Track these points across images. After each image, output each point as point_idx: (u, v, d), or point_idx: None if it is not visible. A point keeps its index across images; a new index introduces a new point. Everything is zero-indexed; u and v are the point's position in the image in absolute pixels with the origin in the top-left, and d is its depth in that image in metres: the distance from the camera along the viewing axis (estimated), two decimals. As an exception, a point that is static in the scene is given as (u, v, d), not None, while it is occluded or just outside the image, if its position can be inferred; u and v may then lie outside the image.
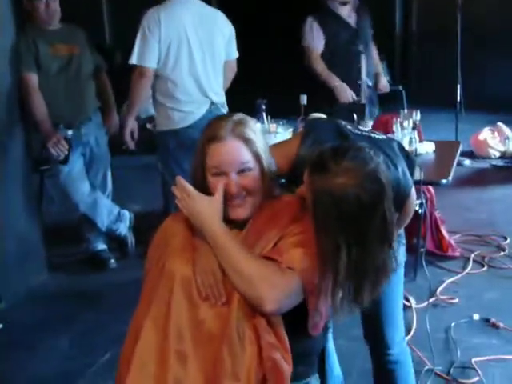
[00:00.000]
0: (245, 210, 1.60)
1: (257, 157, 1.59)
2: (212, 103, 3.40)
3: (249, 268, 1.48)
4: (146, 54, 3.23)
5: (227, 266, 1.51)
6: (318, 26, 4.01)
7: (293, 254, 1.50)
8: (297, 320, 1.52)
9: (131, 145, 3.48)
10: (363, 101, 4.05)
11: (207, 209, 1.56)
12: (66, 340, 3.09)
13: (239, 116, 1.64)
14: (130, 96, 3.38)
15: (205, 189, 1.60)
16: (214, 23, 3.41)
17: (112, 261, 3.86)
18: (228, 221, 1.59)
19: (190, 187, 1.59)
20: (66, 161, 3.49)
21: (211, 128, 1.61)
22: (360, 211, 1.42)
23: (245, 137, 1.58)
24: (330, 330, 2.15)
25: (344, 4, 4.00)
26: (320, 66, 4.05)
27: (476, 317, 3.05)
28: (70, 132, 3.47)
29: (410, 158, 1.86)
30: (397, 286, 2.05)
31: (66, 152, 3.45)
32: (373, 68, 4.22)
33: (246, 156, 1.57)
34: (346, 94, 4.01)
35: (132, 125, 3.43)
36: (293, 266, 1.48)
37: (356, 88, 4.04)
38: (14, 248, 3.49)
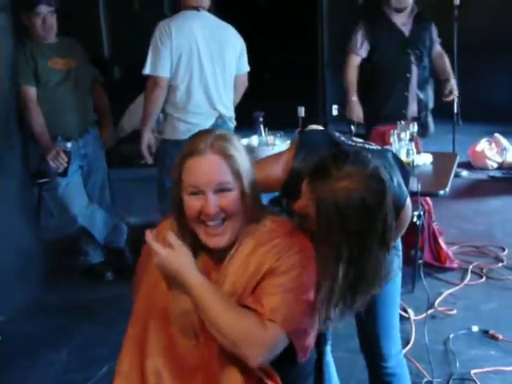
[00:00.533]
0: (224, 237, 1.49)
1: (238, 176, 1.46)
2: (219, 116, 3.42)
3: (229, 325, 1.40)
4: (158, 64, 3.24)
5: (206, 319, 1.43)
6: (364, 32, 3.86)
7: (274, 304, 1.42)
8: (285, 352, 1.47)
9: (149, 159, 3.43)
10: (411, 115, 3.88)
11: (175, 261, 1.45)
12: (65, 353, 3.08)
13: (222, 131, 1.54)
14: (145, 107, 3.36)
15: (181, 209, 1.49)
16: (226, 37, 3.43)
17: (109, 274, 3.86)
18: (208, 250, 1.51)
19: (155, 244, 1.47)
20: (65, 173, 3.50)
21: (190, 142, 1.49)
22: (364, 214, 1.42)
23: (225, 153, 1.46)
24: (329, 343, 2.15)
25: (399, 11, 3.81)
26: (349, 75, 3.93)
27: (475, 328, 3.04)
28: (69, 144, 3.48)
29: (404, 169, 1.86)
30: (393, 299, 2.04)
31: (66, 164, 3.46)
32: (430, 80, 3.98)
33: (226, 174, 1.46)
34: (354, 113, 3.90)
35: (149, 138, 3.40)
36: (274, 317, 1.42)
37: (402, 100, 3.88)
38: (12, 261, 3.49)
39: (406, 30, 3.85)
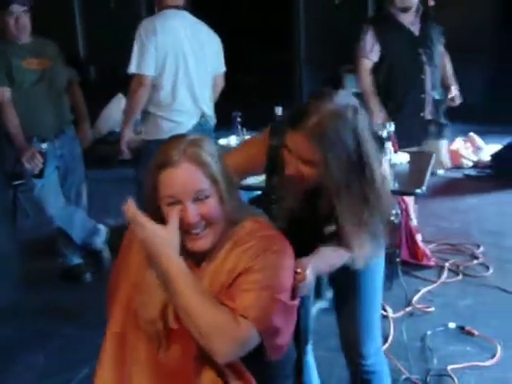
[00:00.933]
0: (206, 240, 1.48)
1: (214, 182, 1.45)
2: (202, 115, 3.43)
3: (201, 316, 1.39)
4: (144, 63, 3.22)
5: (179, 306, 1.42)
6: (374, 35, 3.66)
7: (248, 300, 1.42)
8: (259, 349, 1.47)
9: (127, 154, 3.43)
10: (428, 117, 3.76)
11: (160, 239, 1.42)
12: (42, 356, 3.05)
13: (194, 137, 1.50)
14: (129, 105, 3.36)
15: (158, 219, 1.46)
16: (205, 36, 3.45)
17: (87, 275, 3.83)
18: (188, 253, 1.50)
19: (141, 215, 1.44)
20: (41, 175, 3.46)
21: (163, 151, 1.46)
22: (358, 127, 1.54)
23: (200, 160, 1.44)
24: (311, 342, 2.16)
25: (404, 11, 3.65)
26: (365, 83, 3.72)
27: (451, 325, 3.08)
28: (44, 145, 3.44)
29: (376, 135, 1.85)
30: (374, 296, 2.05)
31: (41, 166, 3.42)
32: (439, 79, 3.81)
33: (202, 182, 1.44)
34: (378, 119, 3.63)
35: (129, 135, 3.41)
36: (246, 314, 1.41)
37: (419, 102, 3.72)
38: (-13, 264, 3.45)
39: (415, 29, 3.69)
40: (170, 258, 1.42)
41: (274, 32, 9.33)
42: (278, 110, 3.43)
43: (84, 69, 4.20)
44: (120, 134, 3.44)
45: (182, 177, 1.43)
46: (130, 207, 1.46)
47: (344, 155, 1.54)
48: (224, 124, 3.67)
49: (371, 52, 3.67)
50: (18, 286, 3.70)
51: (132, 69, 3.24)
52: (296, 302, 1.54)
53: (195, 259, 1.53)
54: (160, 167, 1.45)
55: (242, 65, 8.85)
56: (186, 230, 1.46)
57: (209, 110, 3.49)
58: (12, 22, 3.37)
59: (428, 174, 3.25)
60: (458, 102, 3.91)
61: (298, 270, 1.55)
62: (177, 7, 3.34)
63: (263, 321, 1.43)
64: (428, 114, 3.76)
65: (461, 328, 3.06)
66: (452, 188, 5.42)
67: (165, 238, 1.43)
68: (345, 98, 1.59)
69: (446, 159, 4.21)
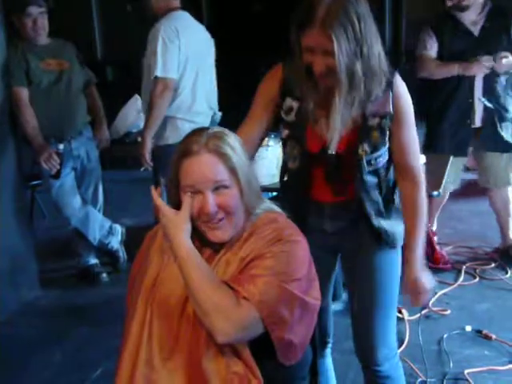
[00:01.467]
0: (225, 231, 1.51)
1: (234, 173, 1.48)
2: (213, 115, 3.46)
3: (204, 295, 1.42)
4: (168, 65, 3.19)
5: (186, 283, 1.45)
6: (432, 34, 3.50)
7: (254, 284, 1.43)
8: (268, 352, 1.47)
9: (149, 165, 3.33)
10: (477, 124, 3.53)
11: (171, 222, 1.48)
12: (59, 355, 3.07)
13: (217, 129, 1.54)
14: (155, 110, 3.22)
15: (180, 208, 1.51)
16: (206, 36, 3.48)
17: (104, 275, 3.85)
18: (208, 242, 1.53)
19: (158, 200, 1.51)
20: (57, 175, 3.48)
21: (185, 142, 1.51)
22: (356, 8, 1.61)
23: (220, 151, 1.47)
24: (329, 346, 2.15)
25: (462, 10, 3.44)
26: (433, 64, 3.49)
27: (468, 328, 3.05)
28: (61, 146, 3.47)
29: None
30: (391, 301, 2.02)
31: (58, 166, 3.45)
32: (503, 85, 3.49)
33: (222, 173, 1.47)
34: (476, 67, 3.37)
35: (150, 144, 3.29)
36: (250, 297, 1.42)
37: (465, 108, 3.49)
38: (5, 263, 3.48)
39: (476, 29, 3.45)
40: (180, 240, 1.46)
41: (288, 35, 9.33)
42: None
43: (101, 70, 4.21)
44: (142, 143, 3.32)
45: (202, 167, 1.46)
46: (155, 194, 1.52)
47: (352, 36, 1.62)
48: (239, 123, 3.67)
49: (431, 51, 3.51)
50: (35, 286, 3.73)
51: (158, 72, 3.17)
52: (313, 301, 1.53)
53: (214, 248, 1.55)
54: (181, 157, 1.49)
55: (260, 65, 8.86)
56: (205, 220, 1.50)
57: (216, 107, 3.52)
58: (29, 24, 3.40)
59: (445, 176, 3.23)
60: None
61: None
62: (182, 8, 3.35)
63: (266, 306, 1.43)
64: (478, 121, 3.52)
65: (478, 331, 3.03)
66: (470, 190, 5.36)
67: (175, 221, 1.47)
68: None
69: (507, 176, 3.74)
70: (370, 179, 1.84)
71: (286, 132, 1.86)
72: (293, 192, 1.92)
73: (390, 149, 1.84)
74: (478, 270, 3.72)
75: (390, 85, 1.77)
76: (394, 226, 1.92)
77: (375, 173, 1.85)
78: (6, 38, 3.42)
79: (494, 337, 2.97)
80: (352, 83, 1.67)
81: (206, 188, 1.47)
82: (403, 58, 8.44)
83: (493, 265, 3.80)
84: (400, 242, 1.95)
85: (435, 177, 3.22)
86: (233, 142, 1.51)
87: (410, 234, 1.88)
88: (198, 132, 1.52)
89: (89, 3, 8.00)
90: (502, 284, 3.57)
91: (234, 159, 1.49)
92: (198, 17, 3.55)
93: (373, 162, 1.81)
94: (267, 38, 9.52)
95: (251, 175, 1.55)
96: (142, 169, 3.39)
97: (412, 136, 1.85)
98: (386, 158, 1.85)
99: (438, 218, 4.12)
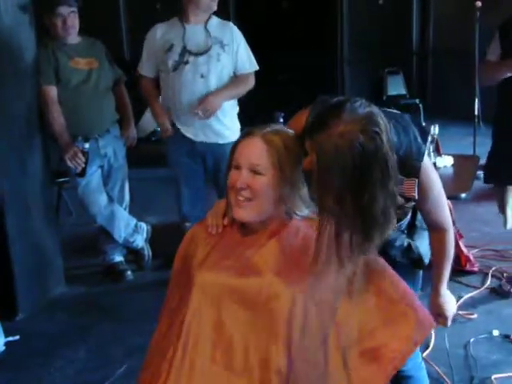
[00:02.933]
0: (246, 212, 1.61)
1: (274, 166, 1.58)
2: None
3: None
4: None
5: None
6: (498, 36, 3.18)
7: None
8: None
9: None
10: None
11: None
12: (83, 351, 3.09)
13: (279, 127, 1.68)
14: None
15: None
16: None
17: (129, 273, 3.87)
18: (238, 225, 1.67)
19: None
20: (83, 174, 3.51)
21: (251, 127, 1.66)
22: (362, 156, 1.42)
23: (270, 142, 1.59)
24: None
25: None
26: (483, 67, 3.25)
27: (495, 333, 3.01)
28: (86, 145, 3.49)
29: (422, 127, 1.83)
30: None
31: (83, 165, 3.47)
32: None
33: (262, 159, 1.58)
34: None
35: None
36: None
37: None
38: (31, 259, 3.51)
39: None
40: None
41: (318, 32, 9.30)
42: (279, 116, 3.44)
43: (128, 69, 4.24)
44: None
45: (250, 147, 1.61)
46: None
47: (338, 178, 1.45)
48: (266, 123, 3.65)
49: (492, 54, 3.18)
50: (60, 282, 3.76)
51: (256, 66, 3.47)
52: None
53: (244, 231, 1.66)
54: (242, 137, 1.65)
55: (285, 65, 8.84)
56: (235, 193, 1.61)
57: None
58: (59, 24, 3.43)
59: (474, 178, 3.19)
60: None
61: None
62: None
63: None
64: None
65: (505, 336, 2.98)
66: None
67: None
68: (365, 118, 1.46)
69: None
70: (394, 237, 1.90)
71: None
72: None
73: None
74: (505, 274, 3.66)
75: (416, 173, 1.73)
76: (419, 248, 2.01)
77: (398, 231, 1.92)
78: (37, 37, 3.45)
79: (522, 342, 2.92)
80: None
81: (244, 165, 1.60)
82: (430, 59, 8.39)
83: (521, 268, 3.74)
84: (426, 261, 2.03)
85: (463, 179, 3.18)
86: (288, 142, 1.61)
87: (438, 272, 1.98)
88: (264, 125, 1.66)
89: (116, 1, 8.06)
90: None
91: (280, 154, 1.58)
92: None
93: (396, 226, 1.81)
94: (288, 35, 9.52)
95: (296, 176, 1.60)
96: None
97: (438, 202, 1.87)
98: (408, 220, 1.94)
99: (463, 220, 4.06)
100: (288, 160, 1.59)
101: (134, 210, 4.03)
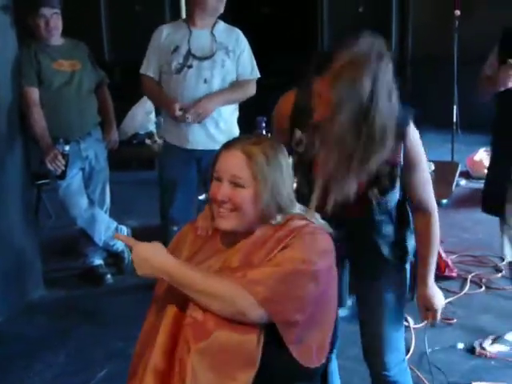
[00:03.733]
0: (228, 221, 1.61)
1: (255, 178, 1.58)
2: None
3: (218, 285, 1.51)
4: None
5: (195, 293, 1.52)
6: (496, 53, 2.98)
7: (259, 271, 1.52)
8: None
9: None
10: None
11: (145, 250, 1.60)
12: (63, 355, 3.06)
13: (259, 137, 1.73)
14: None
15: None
16: None
17: (108, 276, 3.84)
18: (221, 236, 1.67)
19: (128, 240, 1.68)
20: (63, 176, 3.48)
21: (232, 140, 1.68)
22: (377, 67, 1.60)
23: (250, 153, 1.58)
24: (334, 351, 2.14)
25: None
26: (479, 80, 3.04)
27: (475, 338, 3.04)
28: (67, 147, 3.46)
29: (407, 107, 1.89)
30: (399, 307, 2.06)
31: (63, 167, 3.44)
32: None
33: (243, 172, 1.58)
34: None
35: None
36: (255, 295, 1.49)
37: None
38: (10, 262, 3.47)
39: None
40: (161, 259, 1.57)
41: (298, 39, 9.34)
42: (262, 121, 3.46)
43: (108, 71, 4.22)
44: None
45: (230, 159, 1.60)
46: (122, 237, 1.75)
47: (356, 105, 1.59)
48: (248, 130, 3.66)
49: (489, 68, 3.02)
50: (39, 285, 3.73)
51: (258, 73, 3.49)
52: (331, 295, 1.60)
53: (226, 241, 1.66)
54: (222, 148, 1.65)
55: (265, 68, 8.86)
56: (217, 204, 1.61)
57: None
58: (42, 25, 3.40)
59: (454, 184, 3.23)
60: None
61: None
62: None
63: (275, 305, 1.48)
64: None
65: (479, 344, 2.99)
66: (475, 199, 5.33)
67: (150, 248, 1.60)
68: (368, 44, 1.64)
69: None
70: (381, 218, 1.90)
71: (296, 159, 1.88)
72: None
73: (401, 185, 1.88)
74: (483, 280, 3.71)
75: (402, 136, 1.79)
76: (407, 242, 2.00)
77: (386, 211, 1.90)
78: (18, 38, 3.42)
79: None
80: (343, 150, 1.67)
81: (224, 177, 1.59)
82: (408, 67, 8.47)
83: (499, 274, 3.79)
84: (410, 257, 2.02)
85: (444, 185, 3.21)
86: (269, 152, 1.61)
87: (424, 258, 1.97)
88: (247, 136, 1.71)
89: (97, 3, 8.02)
90: (507, 294, 3.55)
91: (261, 166, 1.58)
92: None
93: (383, 204, 1.86)
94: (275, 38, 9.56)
95: (278, 185, 1.61)
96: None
97: (424, 178, 1.91)
98: (397, 197, 1.90)
99: (442, 226, 4.09)
100: (269, 170, 1.59)
101: (114, 213, 4.01)
